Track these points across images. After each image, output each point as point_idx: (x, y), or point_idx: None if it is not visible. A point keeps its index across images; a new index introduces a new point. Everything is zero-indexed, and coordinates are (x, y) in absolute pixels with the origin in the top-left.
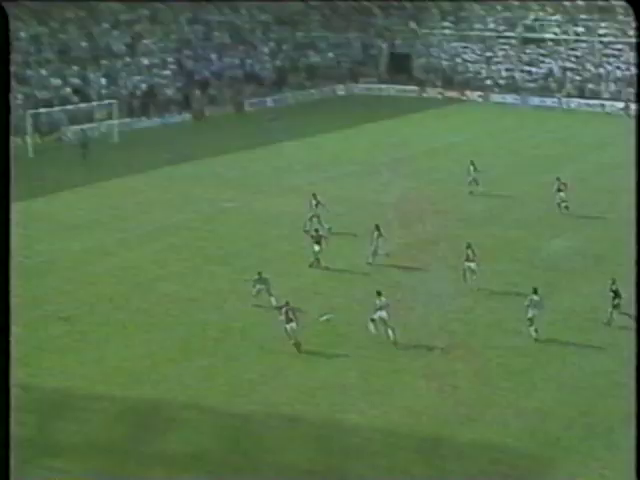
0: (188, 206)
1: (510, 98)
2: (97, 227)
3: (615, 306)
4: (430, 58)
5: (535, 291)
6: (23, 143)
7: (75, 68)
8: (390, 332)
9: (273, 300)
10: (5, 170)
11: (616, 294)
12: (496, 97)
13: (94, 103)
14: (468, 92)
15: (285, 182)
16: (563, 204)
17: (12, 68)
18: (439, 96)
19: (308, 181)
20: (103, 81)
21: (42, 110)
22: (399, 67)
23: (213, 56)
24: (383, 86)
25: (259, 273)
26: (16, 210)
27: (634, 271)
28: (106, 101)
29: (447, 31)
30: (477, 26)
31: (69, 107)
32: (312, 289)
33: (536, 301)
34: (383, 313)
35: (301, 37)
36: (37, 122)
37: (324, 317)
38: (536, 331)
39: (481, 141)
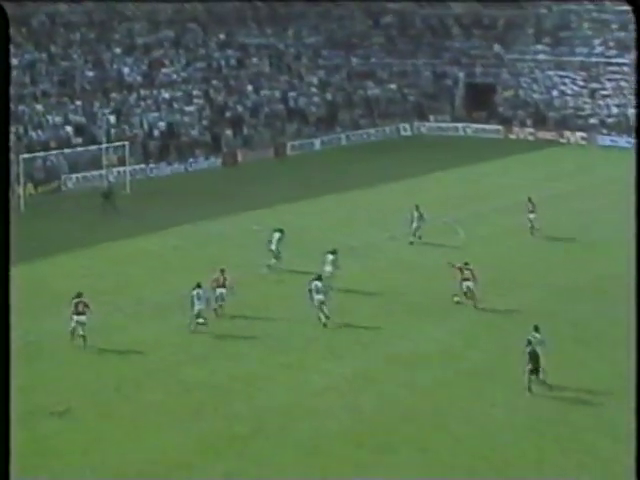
0: (214, 273)
1: (622, 141)
2: (101, 298)
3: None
4: (519, 90)
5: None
6: (13, 195)
7: (78, 103)
8: None
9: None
10: (5, 171)
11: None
12: (604, 139)
13: (101, 146)
14: (567, 133)
15: (338, 241)
16: None
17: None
18: (530, 138)
19: (366, 241)
20: (112, 119)
21: (37, 154)
22: (479, 101)
23: (249, 88)
24: (459, 125)
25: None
26: None
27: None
28: (116, 143)
29: (541, 56)
30: (580, 50)
31: (70, 150)
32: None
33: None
34: None
35: (358, 64)
36: (31, 169)
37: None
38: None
39: (585, 195)
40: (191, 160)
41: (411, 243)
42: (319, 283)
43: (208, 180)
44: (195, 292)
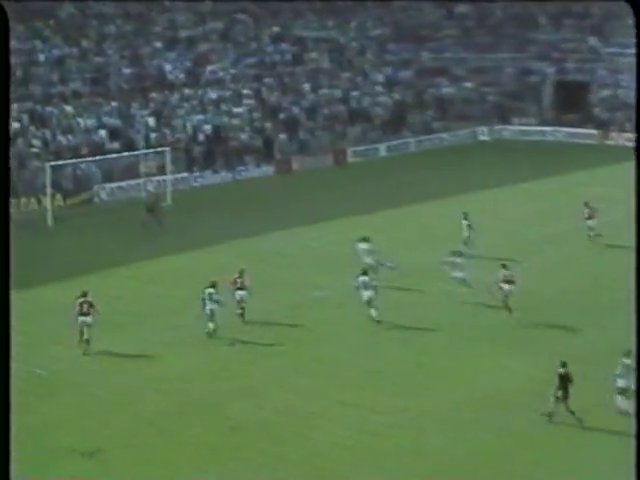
0: (265, 294)
1: None
2: (136, 321)
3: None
4: (617, 89)
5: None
6: (39, 207)
7: (114, 104)
8: None
9: None
10: (5, 172)
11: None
12: None
13: (139, 152)
14: None
15: (404, 260)
16: None
17: (28, 105)
18: (629, 144)
19: (433, 261)
20: (152, 121)
21: (67, 162)
22: (571, 102)
23: (305, 86)
24: (546, 129)
25: None
26: (24, 299)
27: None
28: (156, 149)
29: None
30: None
31: (104, 157)
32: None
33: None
34: None
35: (429, 59)
36: (59, 178)
37: None
38: None
39: None
40: (240, 168)
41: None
42: (366, 278)
43: (259, 190)
44: (207, 292)
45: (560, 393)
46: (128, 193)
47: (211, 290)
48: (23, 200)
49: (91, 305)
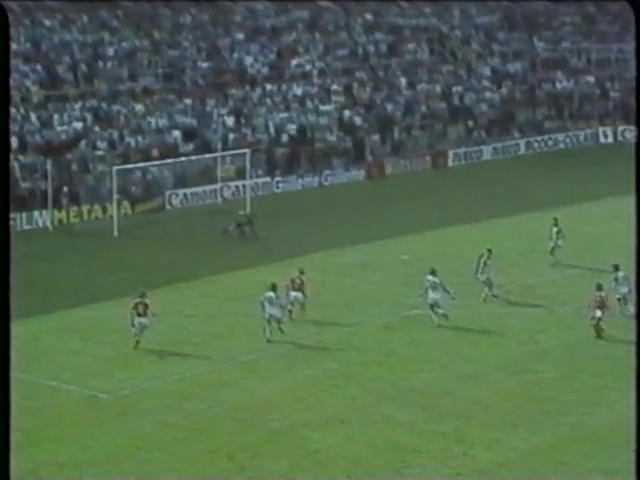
0: (355, 311)
1: None
2: (210, 342)
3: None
4: None
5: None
6: (104, 215)
7: (188, 101)
8: None
9: None
10: (5, 174)
11: None
12: None
13: (216, 154)
14: None
15: (511, 279)
16: None
17: (93, 103)
18: None
19: (547, 279)
20: (230, 121)
21: (136, 165)
22: None
23: (402, 81)
24: None
25: None
26: (87, 318)
27: None
28: (235, 151)
29: None
30: None
31: (177, 160)
32: None
33: None
34: None
35: (544, 50)
36: (127, 183)
37: None
38: None
39: None
40: (327, 172)
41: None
42: (433, 278)
43: (348, 197)
44: (267, 295)
45: None
46: (203, 200)
47: (271, 294)
48: (86, 208)
49: (146, 306)
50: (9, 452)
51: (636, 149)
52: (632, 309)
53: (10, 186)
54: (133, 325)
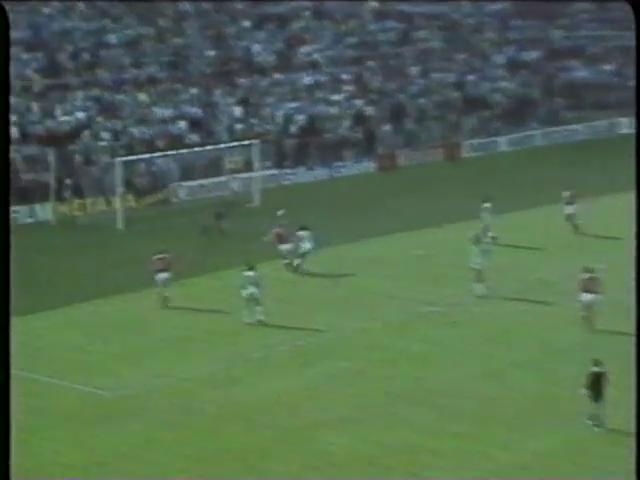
0: (363, 310)
1: None
2: (215, 340)
3: None
4: None
5: None
6: (109, 208)
7: (194, 91)
8: None
9: None
10: (5, 174)
11: None
12: None
13: (223, 145)
14: None
15: (530, 276)
16: None
17: (96, 92)
18: None
19: (567, 275)
20: (237, 111)
21: (140, 157)
22: None
23: (413, 70)
24: None
25: None
26: (89, 313)
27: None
28: (242, 142)
29: None
30: None
31: (182, 152)
32: None
33: None
34: None
35: (561, 38)
36: (131, 175)
37: None
38: None
39: None
40: (337, 164)
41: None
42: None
43: (359, 189)
44: (245, 275)
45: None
46: (210, 192)
47: (250, 273)
48: (89, 201)
49: (167, 261)
50: (9, 452)
51: (636, 145)
52: None
53: (11, 178)
54: (156, 283)
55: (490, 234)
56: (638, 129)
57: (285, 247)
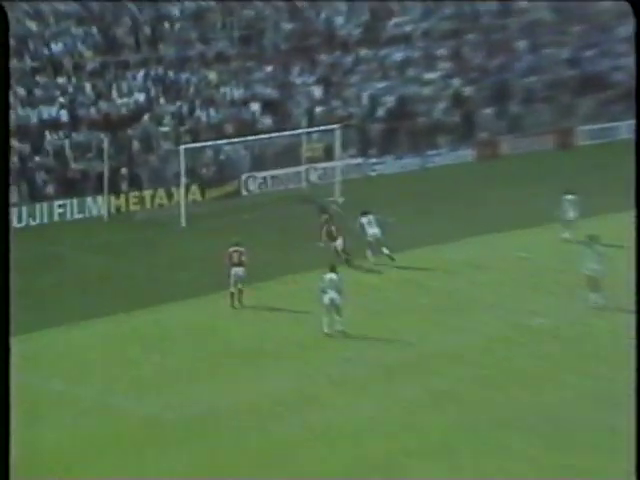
0: (464, 318)
1: None
2: (295, 355)
3: None
4: None
5: None
6: (170, 202)
7: (269, 69)
8: None
9: None
10: (5, 173)
11: None
12: None
13: (301, 131)
14: None
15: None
16: None
17: (157, 71)
18: None
19: None
20: (318, 92)
21: (206, 144)
22: None
23: (520, 44)
24: None
25: None
26: (148, 322)
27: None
28: (322, 127)
29: None
30: None
31: (254, 138)
32: None
33: None
34: None
35: None
36: (197, 165)
37: None
38: None
39: None
40: (431, 152)
41: None
42: None
43: (455, 182)
44: (328, 277)
45: None
46: (285, 184)
47: (333, 276)
48: (148, 193)
49: (242, 254)
50: (9, 452)
51: (636, 147)
52: None
53: (59, 168)
54: (230, 278)
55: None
56: (638, 129)
57: (337, 243)
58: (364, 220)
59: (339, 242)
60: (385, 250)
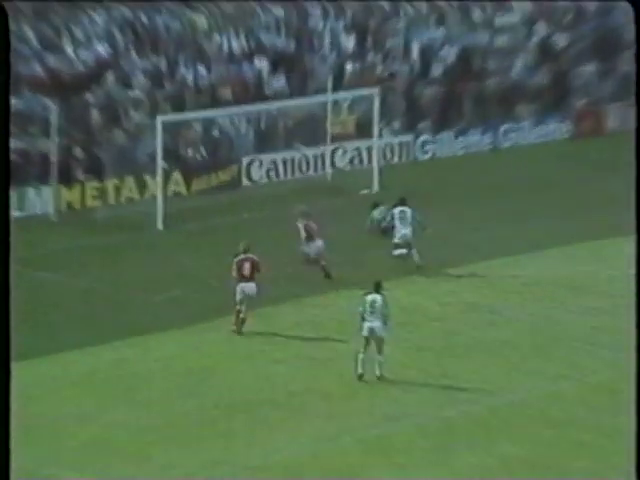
0: (551, 358)
1: None
2: (307, 402)
3: None
4: None
5: None
6: (142, 196)
7: (278, 11)
8: None
9: None
10: (5, 171)
11: None
12: None
13: (325, 97)
14: None
15: None
16: None
17: (125, 11)
18: None
19: None
20: (348, 41)
21: (193, 114)
22: None
23: None
24: None
25: None
26: (109, 362)
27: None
28: (355, 91)
29: None
30: None
31: (260, 107)
32: None
33: None
34: None
35: None
36: (179, 143)
37: None
38: None
39: None
40: (507, 126)
41: None
42: None
43: (541, 168)
44: (369, 299)
45: None
46: (302, 171)
47: (376, 297)
48: (112, 183)
49: (255, 266)
50: (9, 452)
51: (636, 143)
52: None
53: None
54: (236, 296)
55: None
56: (638, 128)
57: (313, 247)
58: (397, 213)
59: (319, 244)
60: (415, 256)
